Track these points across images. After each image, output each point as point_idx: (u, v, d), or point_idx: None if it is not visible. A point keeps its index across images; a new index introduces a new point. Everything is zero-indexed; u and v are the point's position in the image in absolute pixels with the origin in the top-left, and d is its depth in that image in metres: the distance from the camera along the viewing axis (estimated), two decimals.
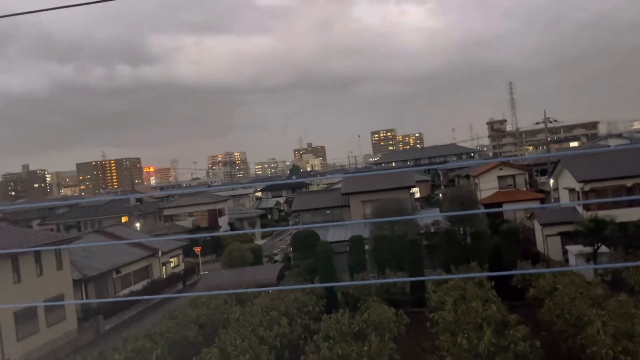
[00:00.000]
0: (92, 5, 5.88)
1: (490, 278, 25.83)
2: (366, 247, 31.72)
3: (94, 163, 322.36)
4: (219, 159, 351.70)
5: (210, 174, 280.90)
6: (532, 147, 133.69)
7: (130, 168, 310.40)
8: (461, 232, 31.45)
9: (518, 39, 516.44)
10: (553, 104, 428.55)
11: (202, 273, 46.03)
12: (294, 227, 38.32)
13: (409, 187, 40.28)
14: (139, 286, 38.76)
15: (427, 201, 60.33)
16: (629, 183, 36.32)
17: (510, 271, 27.76)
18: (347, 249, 31.27)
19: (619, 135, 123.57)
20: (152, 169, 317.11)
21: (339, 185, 60.94)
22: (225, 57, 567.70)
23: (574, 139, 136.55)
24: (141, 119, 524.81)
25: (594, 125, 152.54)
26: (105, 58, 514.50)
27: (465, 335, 17.20)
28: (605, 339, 15.69)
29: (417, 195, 56.54)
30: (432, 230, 32.51)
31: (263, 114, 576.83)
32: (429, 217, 33.22)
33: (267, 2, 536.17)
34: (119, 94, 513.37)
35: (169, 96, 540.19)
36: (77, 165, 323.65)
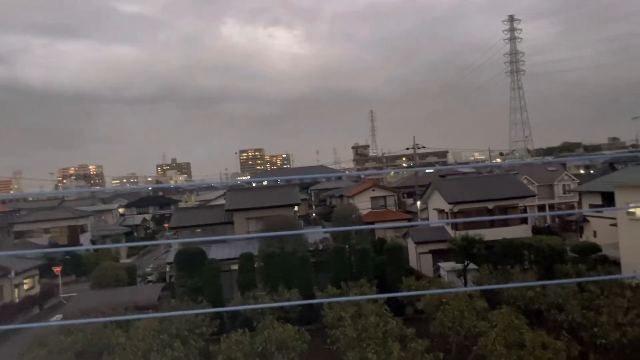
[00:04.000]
0: None
1: (381, 293, 26.71)
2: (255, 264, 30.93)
3: None
4: (71, 171, 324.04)
5: (61, 187, 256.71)
6: (392, 172, 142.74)
7: None
8: (348, 250, 32.10)
9: (376, 71, 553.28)
10: (407, 132, 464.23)
11: (62, 295, 41.45)
12: (179, 240, 36.15)
13: (294, 205, 40.39)
14: None
15: (306, 219, 61.15)
16: (490, 205, 40.21)
17: (394, 285, 28.95)
18: (237, 266, 30.22)
19: (466, 164, 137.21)
20: None
21: (216, 202, 59.24)
22: (81, 63, 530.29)
23: (429, 165, 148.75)
24: None
25: (444, 154, 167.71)
26: None
27: (373, 350, 17.40)
28: (500, 349, 16.86)
29: (298, 213, 56.99)
30: (320, 247, 32.79)
31: (123, 126, 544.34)
32: (316, 233, 33.48)
33: (130, 9, 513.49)
34: None
35: (11, 101, 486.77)
36: None
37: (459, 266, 33.76)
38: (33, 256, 42.04)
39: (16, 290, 38.07)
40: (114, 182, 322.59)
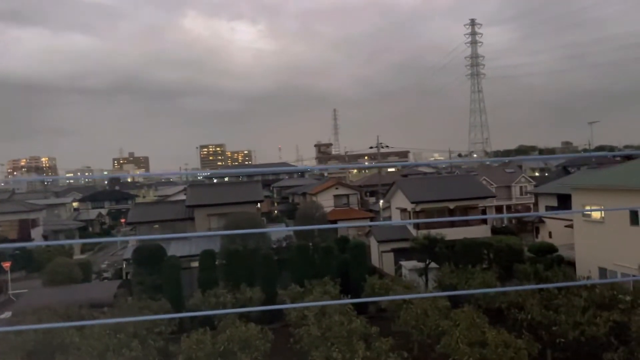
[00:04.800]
0: None
1: (345, 292, 26.56)
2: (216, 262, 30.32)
3: None
4: (22, 163, 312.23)
5: (11, 180, 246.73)
6: (355, 170, 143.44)
7: None
8: (311, 248, 31.86)
9: (341, 70, 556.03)
10: (370, 132, 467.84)
11: (12, 292, 39.64)
12: (142, 237, 35.01)
13: (257, 202, 39.84)
14: None
15: (269, 216, 60.61)
16: (451, 206, 40.77)
17: (358, 284, 28.87)
18: (198, 264, 29.54)
19: (427, 164, 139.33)
20: None
21: (177, 198, 58.03)
22: (34, 51, 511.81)
23: (390, 165, 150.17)
24: None
25: (405, 154, 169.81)
26: None
27: (337, 350, 17.21)
28: (463, 348, 16.96)
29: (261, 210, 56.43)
30: (284, 245, 32.44)
31: (78, 117, 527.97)
32: (280, 231, 33.13)
33: None
34: None
35: None
36: None
37: (421, 265, 34.06)
38: None
39: None
40: (67, 175, 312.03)
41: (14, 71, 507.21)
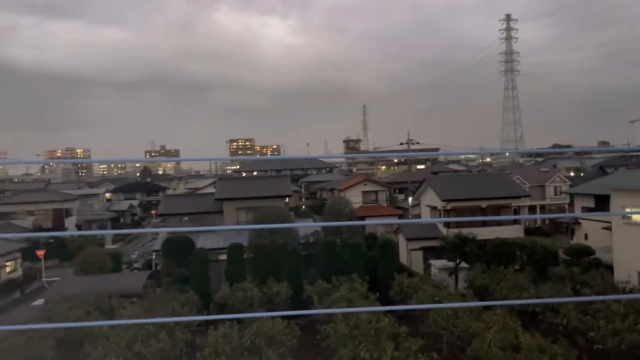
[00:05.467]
0: None
1: (372, 289, 26.12)
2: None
3: None
4: (58, 154, 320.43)
5: (47, 170, 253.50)
6: (384, 167, 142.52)
7: None
8: (339, 244, 31.52)
9: (370, 65, 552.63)
10: (398, 128, 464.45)
11: (44, 280, 40.53)
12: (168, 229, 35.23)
13: (286, 196, 39.72)
14: None
15: (296, 211, 60.56)
16: (483, 204, 39.79)
17: (386, 282, 28.41)
18: (226, 257, 29.56)
19: (458, 162, 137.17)
20: None
21: (206, 190, 58.46)
22: (71, 44, 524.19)
23: (420, 162, 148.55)
24: None
25: (435, 151, 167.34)
26: None
27: (365, 349, 16.85)
28: (495, 351, 16.39)
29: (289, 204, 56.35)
30: (312, 240, 32.20)
31: (111, 110, 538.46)
32: (308, 226, 32.88)
33: None
34: None
35: None
36: None
37: (451, 264, 33.32)
38: (16, 238, 41.06)
39: None
40: (101, 166, 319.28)
41: (51, 63, 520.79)
